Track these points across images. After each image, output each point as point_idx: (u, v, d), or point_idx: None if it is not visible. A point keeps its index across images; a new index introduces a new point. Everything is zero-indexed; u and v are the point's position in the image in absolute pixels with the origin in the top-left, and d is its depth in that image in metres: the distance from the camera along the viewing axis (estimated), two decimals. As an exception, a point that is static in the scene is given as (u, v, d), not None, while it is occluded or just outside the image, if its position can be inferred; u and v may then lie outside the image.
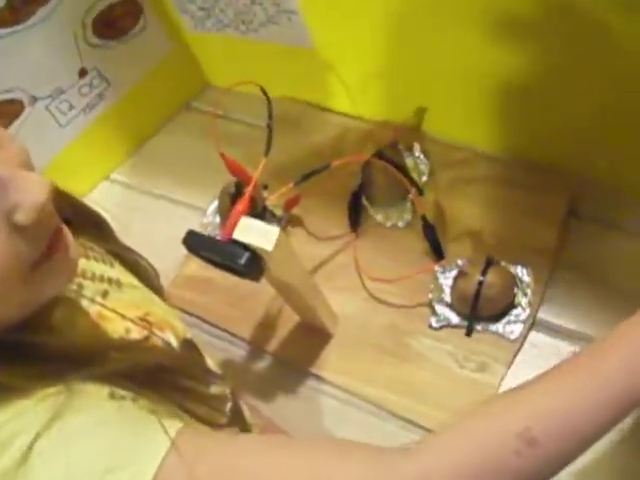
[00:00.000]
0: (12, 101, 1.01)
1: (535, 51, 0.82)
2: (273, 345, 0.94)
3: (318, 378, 0.90)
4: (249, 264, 0.70)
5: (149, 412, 0.52)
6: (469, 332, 0.89)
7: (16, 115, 1.02)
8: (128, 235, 0.77)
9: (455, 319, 0.90)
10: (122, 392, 0.53)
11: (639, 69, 0.76)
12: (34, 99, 1.03)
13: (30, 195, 0.46)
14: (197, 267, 1.03)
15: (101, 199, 0.99)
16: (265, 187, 1.05)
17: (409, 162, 1.02)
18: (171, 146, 1.23)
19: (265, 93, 0.81)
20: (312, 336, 0.93)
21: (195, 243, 0.74)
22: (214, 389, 0.74)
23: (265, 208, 1.03)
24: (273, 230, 0.69)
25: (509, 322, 0.88)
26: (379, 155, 0.97)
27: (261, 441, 0.58)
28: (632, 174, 0.87)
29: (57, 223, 0.52)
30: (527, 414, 0.53)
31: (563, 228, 0.93)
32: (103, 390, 0.52)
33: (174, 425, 0.51)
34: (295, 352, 0.93)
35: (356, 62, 1.02)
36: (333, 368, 0.90)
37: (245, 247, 0.70)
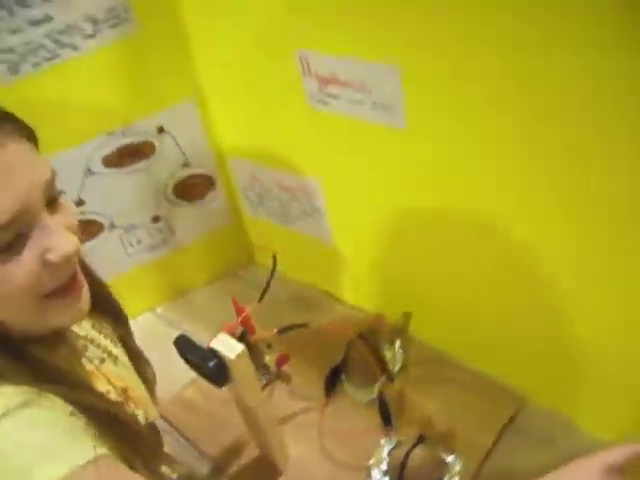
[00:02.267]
0: (96, 222, 1.29)
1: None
2: (231, 468, 1.10)
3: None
4: (216, 369, 0.90)
5: (92, 437, 0.68)
6: (394, 498, 1.01)
7: (96, 234, 1.29)
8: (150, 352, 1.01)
9: (388, 489, 1.03)
10: (80, 417, 0.69)
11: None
12: (113, 226, 1.31)
13: (64, 245, 0.69)
14: (194, 391, 1.22)
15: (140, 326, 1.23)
16: (269, 346, 1.25)
17: (388, 353, 1.20)
18: (210, 301, 1.46)
19: (274, 264, 1.06)
20: (264, 471, 1.08)
21: (183, 345, 0.94)
22: (164, 468, 0.90)
23: (263, 362, 1.23)
24: (240, 346, 0.89)
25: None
26: (362, 337, 1.16)
27: None
28: (576, 403, 1.03)
29: (76, 274, 0.74)
30: None
31: (500, 436, 1.07)
32: (67, 407, 0.69)
33: (104, 450, 0.68)
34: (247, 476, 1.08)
35: (363, 263, 1.25)
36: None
37: (218, 357, 0.90)
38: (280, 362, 1.23)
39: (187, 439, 1.17)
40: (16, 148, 0.66)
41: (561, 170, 0.82)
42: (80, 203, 1.25)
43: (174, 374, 1.06)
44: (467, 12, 0.79)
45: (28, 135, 0.70)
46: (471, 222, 1.00)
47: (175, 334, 0.96)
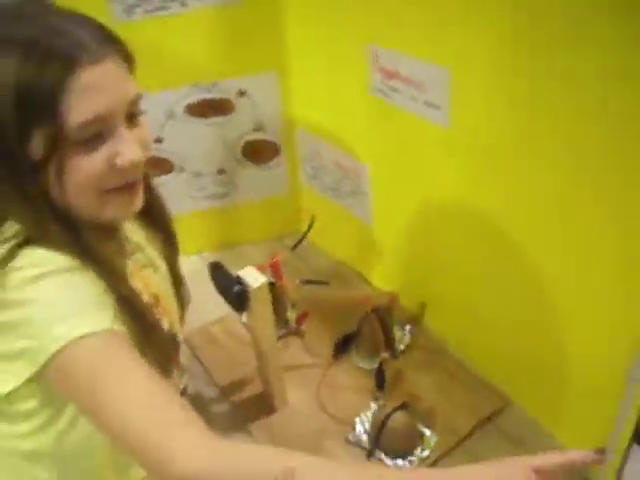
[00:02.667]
0: (168, 161, 1.45)
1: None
2: (234, 397, 1.23)
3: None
4: (238, 294, 1.03)
5: (114, 315, 0.80)
6: (369, 455, 1.12)
7: (166, 171, 1.45)
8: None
9: (365, 442, 1.14)
10: (109, 297, 0.82)
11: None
12: (182, 169, 1.47)
13: (131, 153, 0.82)
14: (219, 328, 1.36)
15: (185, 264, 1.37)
16: (293, 305, 1.38)
17: (398, 333, 1.32)
18: (253, 256, 1.59)
19: (311, 224, 1.20)
20: (262, 405, 1.21)
21: (215, 270, 1.08)
22: (172, 380, 1.03)
23: (285, 316, 1.36)
24: (263, 278, 1.02)
25: (403, 462, 1.11)
26: (376, 312, 1.28)
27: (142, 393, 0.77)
28: (556, 413, 1.12)
29: (138, 181, 0.89)
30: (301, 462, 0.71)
31: (478, 427, 1.17)
32: (102, 285, 0.82)
33: (121, 328, 0.80)
34: (248, 408, 1.22)
35: (393, 248, 1.37)
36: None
37: (242, 284, 1.03)
38: (300, 319, 1.36)
39: (203, 366, 1.31)
40: (113, 66, 0.80)
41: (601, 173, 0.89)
42: (158, 141, 1.41)
43: (205, 312, 1.25)
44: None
45: (126, 58, 0.84)
46: (486, 225, 1.10)
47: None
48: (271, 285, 1.21)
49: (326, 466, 0.73)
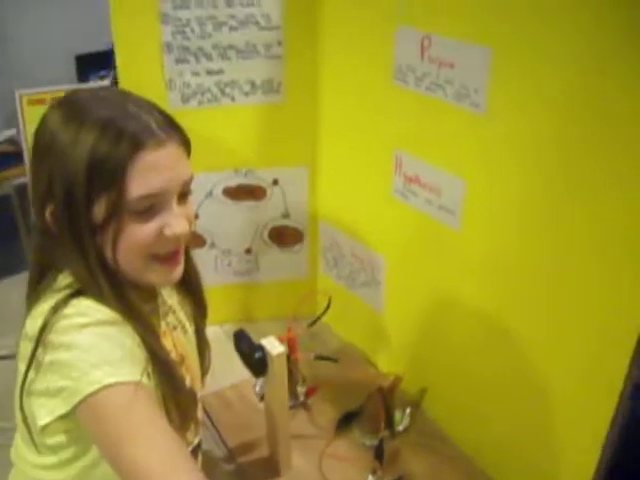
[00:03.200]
0: (201, 237, 1.59)
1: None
2: (241, 459, 1.33)
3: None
4: (259, 360, 1.15)
5: (144, 370, 0.91)
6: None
7: (198, 246, 1.59)
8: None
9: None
10: (143, 352, 0.94)
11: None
12: (213, 245, 1.61)
13: (178, 226, 0.96)
14: (233, 392, 1.47)
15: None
16: (304, 380, 1.48)
17: (398, 414, 1.42)
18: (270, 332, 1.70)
19: (328, 305, 1.32)
20: (267, 470, 1.30)
21: (240, 337, 1.20)
22: (189, 434, 1.13)
23: (296, 390, 1.47)
24: (282, 348, 1.14)
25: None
26: (380, 392, 1.39)
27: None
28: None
29: (180, 252, 1.01)
30: None
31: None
32: (137, 340, 0.94)
33: (150, 383, 0.92)
34: (254, 470, 1.31)
35: (400, 336, 1.49)
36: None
37: (263, 352, 1.15)
38: (309, 393, 1.46)
39: (215, 427, 1.41)
40: (174, 149, 0.95)
41: None
42: (195, 217, 1.56)
43: (222, 377, 1.37)
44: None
45: (185, 144, 0.99)
46: (489, 324, 1.21)
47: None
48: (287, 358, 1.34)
49: None
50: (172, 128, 0.96)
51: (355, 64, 1.37)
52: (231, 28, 1.40)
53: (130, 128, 0.90)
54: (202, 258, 1.59)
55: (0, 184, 3.65)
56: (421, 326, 1.43)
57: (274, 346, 1.15)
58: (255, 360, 1.16)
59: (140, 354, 0.94)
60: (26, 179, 3.65)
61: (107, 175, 0.89)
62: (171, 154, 0.94)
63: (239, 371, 1.23)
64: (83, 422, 0.89)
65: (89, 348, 0.88)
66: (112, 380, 0.86)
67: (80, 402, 0.85)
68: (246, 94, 1.47)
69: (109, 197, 0.90)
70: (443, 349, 1.37)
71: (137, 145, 0.90)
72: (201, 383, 1.23)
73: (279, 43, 1.43)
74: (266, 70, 1.46)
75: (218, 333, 1.67)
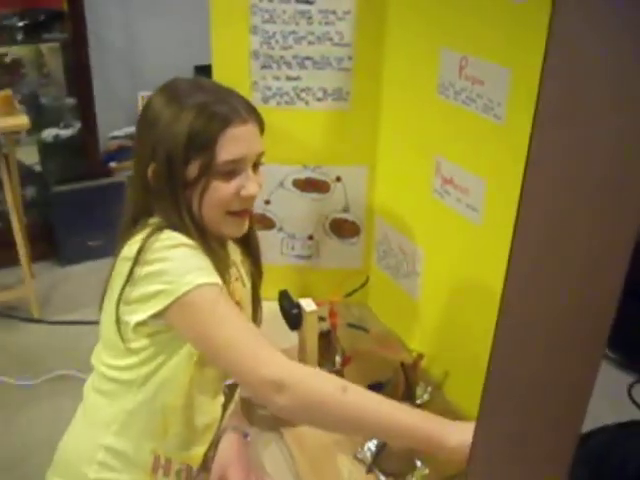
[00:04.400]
0: (271, 220, 1.84)
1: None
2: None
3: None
4: (295, 316, 1.38)
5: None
6: (368, 471, 1.40)
7: (268, 228, 1.84)
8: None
9: (368, 460, 1.42)
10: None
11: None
12: (281, 229, 1.85)
13: (252, 188, 1.22)
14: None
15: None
16: (342, 352, 1.69)
17: (419, 389, 1.60)
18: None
19: (366, 281, 1.52)
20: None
21: (283, 296, 1.43)
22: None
23: (334, 358, 1.68)
24: (314, 307, 1.37)
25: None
26: (403, 366, 1.58)
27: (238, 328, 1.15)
28: None
29: (249, 211, 1.26)
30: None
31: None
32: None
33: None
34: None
35: (433, 321, 1.68)
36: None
37: (299, 309, 1.38)
38: (344, 362, 1.67)
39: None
40: (253, 127, 1.23)
41: None
42: (267, 202, 1.81)
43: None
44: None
45: (260, 124, 1.25)
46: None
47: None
48: (328, 333, 1.56)
49: (369, 392, 1.13)
50: (252, 112, 1.24)
51: (408, 79, 1.59)
52: (309, 42, 1.65)
53: (222, 109, 1.18)
54: (270, 239, 1.84)
55: (118, 173, 4.05)
56: (449, 313, 1.61)
57: (309, 305, 1.38)
58: (292, 315, 1.39)
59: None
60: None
61: (202, 143, 1.17)
62: (250, 130, 1.22)
63: (293, 342, 1.45)
64: (174, 319, 1.13)
65: (180, 259, 1.15)
66: (202, 281, 1.11)
67: (173, 302, 1.11)
68: (318, 100, 1.71)
69: (202, 160, 1.17)
70: (468, 335, 1.54)
71: (226, 121, 1.18)
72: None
73: (349, 58, 1.67)
74: (337, 80, 1.70)
75: (273, 307, 1.90)
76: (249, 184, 1.22)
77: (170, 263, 1.13)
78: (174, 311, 1.12)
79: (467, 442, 0.99)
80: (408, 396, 1.56)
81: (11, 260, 3.54)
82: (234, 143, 1.19)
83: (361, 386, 1.57)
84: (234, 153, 1.19)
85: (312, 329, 1.39)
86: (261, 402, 1.21)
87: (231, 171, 1.20)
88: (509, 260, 0.79)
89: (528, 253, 0.81)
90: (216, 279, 1.15)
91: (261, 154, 1.25)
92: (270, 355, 1.10)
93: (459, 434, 1.08)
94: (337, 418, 1.11)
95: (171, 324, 1.15)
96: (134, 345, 1.20)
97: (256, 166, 1.25)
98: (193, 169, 1.18)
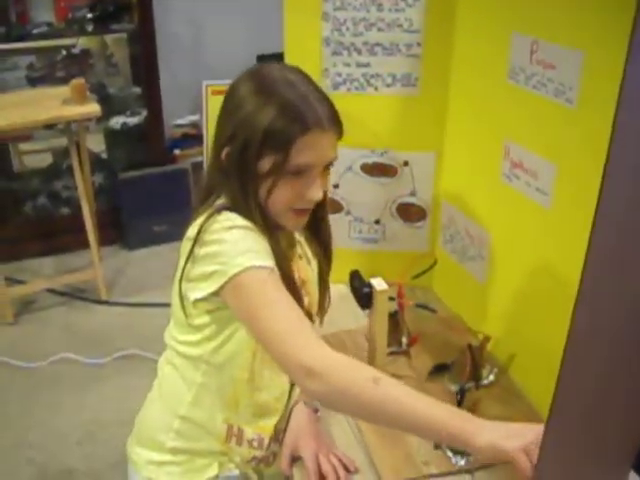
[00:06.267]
0: (339, 204, 1.88)
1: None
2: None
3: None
4: (366, 295, 1.42)
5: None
6: (436, 446, 1.43)
7: (336, 211, 1.88)
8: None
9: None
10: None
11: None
12: (348, 212, 1.89)
13: (314, 193, 1.25)
14: (346, 336, 1.74)
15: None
16: (409, 332, 1.73)
17: (485, 371, 1.63)
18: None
19: (434, 263, 1.55)
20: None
21: (354, 276, 1.48)
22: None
23: (401, 338, 1.72)
24: (385, 286, 1.40)
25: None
26: (470, 347, 1.61)
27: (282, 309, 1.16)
28: None
29: (308, 210, 1.29)
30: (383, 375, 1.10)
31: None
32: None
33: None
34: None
35: (499, 306, 1.70)
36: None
37: (371, 288, 1.42)
38: (411, 342, 1.71)
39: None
40: (331, 136, 1.24)
41: None
42: (336, 186, 1.85)
43: (339, 324, 1.63)
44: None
45: (339, 133, 1.26)
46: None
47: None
48: (395, 313, 1.60)
49: (402, 384, 1.11)
50: (334, 120, 1.25)
51: (478, 64, 1.61)
52: (379, 29, 1.69)
53: (305, 114, 1.20)
54: (338, 222, 1.88)
55: (181, 160, 4.14)
56: (516, 297, 1.63)
57: (380, 284, 1.42)
58: (363, 294, 1.43)
59: (272, 256, 1.21)
60: (202, 158, 4.14)
61: (278, 143, 1.19)
62: (328, 139, 1.23)
63: (360, 323, 1.49)
64: (227, 299, 1.18)
65: (234, 241, 1.18)
66: (252, 263, 1.15)
67: (226, 282, 1.15)
68: (387, 85, 1.75)
69: (275, 158, 1.20)
70: (535, 319, 1.55)
71: (307, 127, 1.19)
72: (320, 320, 1.47)
73: (418, 44, 1.70)
74: (406, 66, 1.73)
75: (343, 290, 1.95)
76: (314, 188, 1.24)
77: (225, 245, 1.18)
78: (227, 291, 1.17)
79: (494, 443, 1.04)
80: (474, 377, 1.60)
81: (81, 244, 3.68)
82: (310, 149, 1.20)
83: (427, 366, 1.65)
84: (308, 159, 1.21)
85: (382, 308, 1.43)
86: (297, 385, 1.25)
87: (299, 173, 1.22)
88: (587, 250, 0.78)
89: (607, 242, 0.81)
90: (267, 262, 1.18)
91: (332, 161, 1.27)
92: (307, 341, 1.12)
93: (487, 434, 1.05)
94: (363, 408, 1.11)
95: (226, 303, 1.20)
96: (197, 321, 1.26)
97: (326, 169, 1.27)
98: (265, 164, 1.21)
